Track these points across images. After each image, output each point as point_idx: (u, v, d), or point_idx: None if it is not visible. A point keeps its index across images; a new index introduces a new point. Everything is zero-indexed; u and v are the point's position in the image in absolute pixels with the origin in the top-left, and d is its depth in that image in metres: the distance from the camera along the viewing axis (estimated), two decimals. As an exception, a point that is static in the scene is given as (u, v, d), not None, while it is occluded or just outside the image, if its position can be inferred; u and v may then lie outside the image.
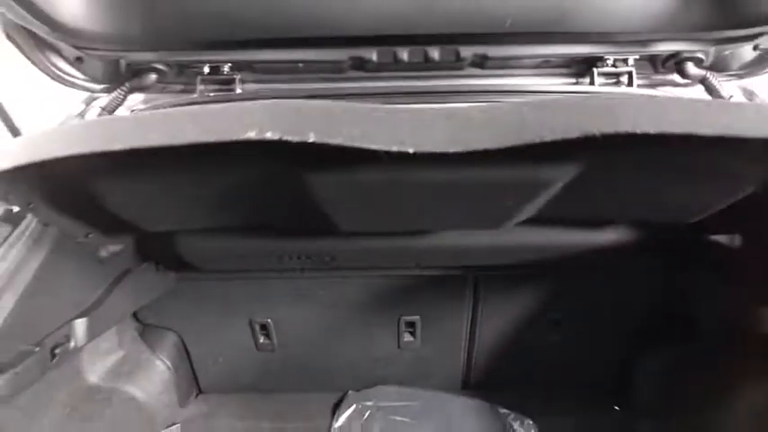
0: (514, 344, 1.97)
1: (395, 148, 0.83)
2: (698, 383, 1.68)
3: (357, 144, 0.83)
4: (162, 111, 0.97)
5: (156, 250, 1.53)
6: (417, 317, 1.91)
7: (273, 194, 1.12)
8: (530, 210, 1.22)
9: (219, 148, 0.82)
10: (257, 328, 1.92)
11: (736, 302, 1.38)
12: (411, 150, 0.84)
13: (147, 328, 1.96)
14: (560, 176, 1.03)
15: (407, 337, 1.97)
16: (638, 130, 0.78)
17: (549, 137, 0.81)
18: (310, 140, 0.80)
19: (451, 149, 0.84)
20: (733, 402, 1.55)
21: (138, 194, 1.09)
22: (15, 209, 1.10)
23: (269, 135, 0.78)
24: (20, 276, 1.12)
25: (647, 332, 1.91)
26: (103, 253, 1.41)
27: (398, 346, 1.99)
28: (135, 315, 1.93)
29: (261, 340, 1.96)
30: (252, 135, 0.78)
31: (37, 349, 1.12)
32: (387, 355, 2.02)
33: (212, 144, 0.79)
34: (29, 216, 1.20)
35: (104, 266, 1.42)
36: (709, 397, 1.61)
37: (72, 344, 1.22)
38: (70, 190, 1.06)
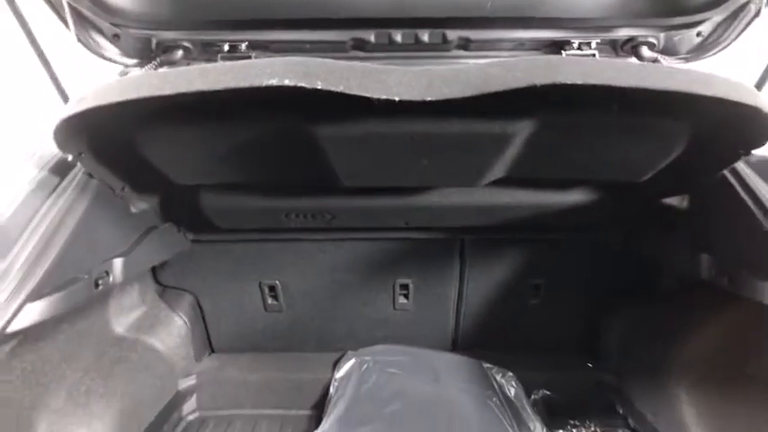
0: (499, 306, 2.18)
1: (384, 96, 1.06)
2: (655, 338, 1.89)
3: (354, 92, 1.05)
4: (201, 65, 1.19)
5: (180, 210, 1.75)
6: (411, 280, 2.12)
7: (285, 148, 1.34)
8: (499, 167, 1.44)
9: (246, 98, 1.04)
10: (266, 289, 2.13)
11: (687, 257, 1.58)
12: (396, 98, 1.06)
13: (165, 289, 2.17)
14: (519, 130, 1.26)
15: (402, 300, 2.18)
16: (569, 81, 1.00)
17: (503, 87, 1.04)
18: (318, 87, 1.02)
19: (428, 98, 1.07)
20: (684, 351, 1.75)
21: (173, 144, 1.31)
22: (69, 157, 1.30)
23: (287, 82, 1.01)
24: (69, 218, 1.33)
25: (614, 295, 2.13)
26: (134, 209, 1.63)
27: (394, 308, 2.20)
28: (155, 278, 2.14)
29: (269, 301, 2.17)
30: (273, 81, 1.00)
31: (85, 276, 1.32)
32: (383, 317, 2.23)
33: (242, 89, 1.01)
34: (75, 169, 1.42)
35: (135, 220, 1.64)
36: (664, 348, 1.81)
37: (111, 279, 1.43)
38: (116, 140, 1.28)
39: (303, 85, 1.01)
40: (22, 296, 1.10)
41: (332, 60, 1.10)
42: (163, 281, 2.15)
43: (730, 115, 1.13)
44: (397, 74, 1.09)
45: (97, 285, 1.37)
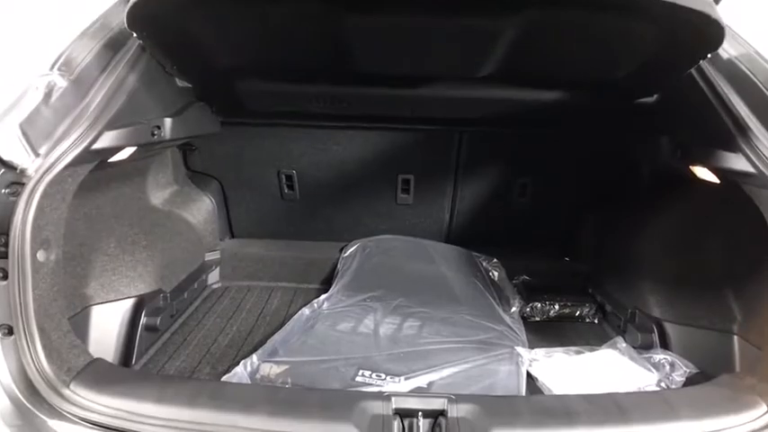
0: (489, 203, 2.45)
1: None
2: (625, 229, 2.16)
3: None
4: None
5: (215, 91, 1.98)
6: (412, 175, 2.38)
7: (316, 32, 1.55)
8: (493, 60, 1.65)
9: None
10: (284, 178, 2.39)
11: (652, 145, 1.82)
12: None
13: (195, 173, 2.43)
14: (509, 25, 1.48)
15: (403, 195, 2.44)
16: None
17: None
18: None
19: None
20: (648, 238, 2.02)
21: (219, 23, 1.53)
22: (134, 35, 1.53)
23: None
24: (131, 76, 1.55)
25: (592, 195, 2.41)
26: (179, 84, 1.87)
27: (396, 202, 2.46)
28: (186, 163, 2.40)
29: (286, 190, 2.43)
30: None
31: (144, 122, 1.57)
32: (386, 211, 2.50)
33: None
34: (127, 45, 1.64)
35: (180, 93, 1.88)
36: (632, 236, 2.08)
37: (162, 132, 1.67)
38: (172, 24, 1.50)
39: None
40: (102, 124, 1.35)
41: None
42: (192, 165, 2.40)
43: (689, 20, 1.32)
44: None
45: (153, 134, 1.62)
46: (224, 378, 1.49)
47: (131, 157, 1.62)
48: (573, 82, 1.87)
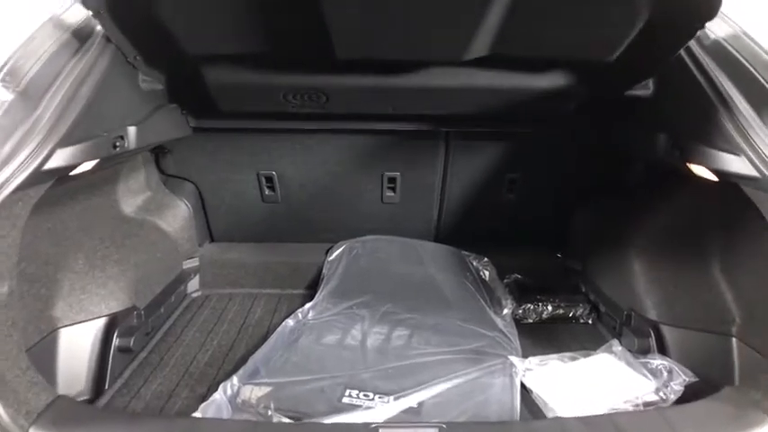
0: (478, 200, 2.36)
1: None
2: (618, 225, 2.08)
3: None
4: None
5: (185, 90, 1.84)
6: (398, 173, 2.28)
7: (290, 11, 1.41)
8: (480, 41, 1.50)
9: None
10: (263, 180, 2.28)
11: (648, 140, 1.73)
12: None
13: (168, 177, 2.31)
14: None
15: (389, 193, 2.34)
16: None
17: None
18: None
19: None
20: (641, 234, 1.94)
21: (183, 3, 1.39)
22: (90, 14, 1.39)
23: None
24: (90, 78, 1.41)
25: (584, 190, 2.33)
26: (145, 86, 1.73)
27: (382, 201, 2.37)
28: (158, 166, 2.27)
29: (266, 192, 2.32)
30: None
31: (105, 134, 1.44)
32: (372, 211, 2.40)
33: None
34: (94, 35, 1.50)
35: (146, 96, 1.74)
36: (625, 233, 2.01)
37: (126, 143, 1.55)
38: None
39: None
40: (54, 140, 1.22)
41: None
42: (165, 169, 2.28)
43: None
44: None
45: (114, 147, 1.49)
46: (202, 406, 1.40)
47: (95, 168, 1.51)
48: (566, 64, 1.75)
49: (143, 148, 1.70)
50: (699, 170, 1.52)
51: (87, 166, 1.43)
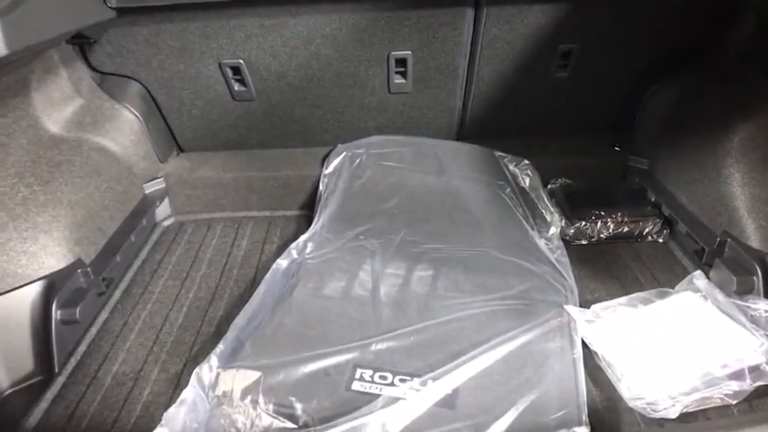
0: (517, 82, 1.79)
1: None
2: (700, 116, 1.56)
3: None
4: None
5: None
6: (409, 52, 1.69)
7: None
8: None
9: None
10: (229, 71, 1.71)
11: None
12: None
13: (105, 77, 1.75)
14: None
15: (398, 79, 1.78)
16: None
17: None
18: None
19: None
20: (733, 134, 1.44)
21: None
22: None
23: None
24: None
25: (658, 66, 1.75)
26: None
27: (389, 91, 1.81)
28: (88, 62, 1.71)
29: (236, 87, 1.77)
30: None
31: None
32: (376, 103, 1.86)
33: None
34: None
35: None
36: (710, 128, 1.50)
37: None
38: None
39: None
40: None
41: None
42: (98, 66, 1.71)
43: None
44: None
45: None
46: (169, 413, 1.06)
47: None
48: None
49: (34, 46, 1.15)
50: None
51: None
